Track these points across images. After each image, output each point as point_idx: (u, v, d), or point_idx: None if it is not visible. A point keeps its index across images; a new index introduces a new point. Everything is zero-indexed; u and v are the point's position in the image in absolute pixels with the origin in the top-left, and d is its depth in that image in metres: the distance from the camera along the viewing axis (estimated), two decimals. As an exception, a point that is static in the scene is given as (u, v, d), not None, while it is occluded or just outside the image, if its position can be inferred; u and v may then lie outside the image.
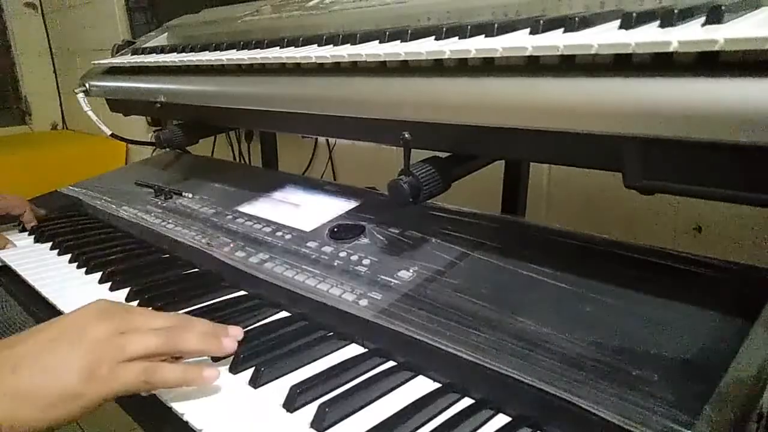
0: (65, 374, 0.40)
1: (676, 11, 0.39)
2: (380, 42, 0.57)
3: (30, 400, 0.39)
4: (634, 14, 0.41)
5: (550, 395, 0.38)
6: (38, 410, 0.39)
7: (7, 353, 0.41)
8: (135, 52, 0.99)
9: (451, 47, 0.47)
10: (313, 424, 0.40)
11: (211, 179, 0.89)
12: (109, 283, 0.64)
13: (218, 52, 0.78)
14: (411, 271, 0.54)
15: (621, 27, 0.41)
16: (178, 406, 0.43)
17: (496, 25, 0.49)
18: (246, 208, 0.76)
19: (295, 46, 0.66)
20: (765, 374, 0.37)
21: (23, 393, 0.39)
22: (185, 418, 0.42)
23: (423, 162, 0.54)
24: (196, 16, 1.10)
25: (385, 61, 0.54)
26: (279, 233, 0.67)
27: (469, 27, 0.50)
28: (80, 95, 1.01)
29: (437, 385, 0.44)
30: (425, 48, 0.49)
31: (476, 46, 0.45)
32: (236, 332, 0.49)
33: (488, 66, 0.47)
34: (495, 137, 0.48)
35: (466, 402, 0.42)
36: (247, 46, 0.74)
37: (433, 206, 0.64)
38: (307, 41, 0.65)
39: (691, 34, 0.35)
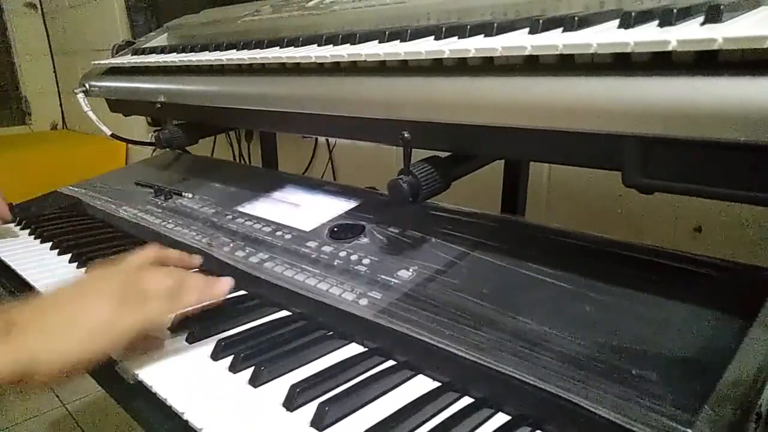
0: (100, 308, 0.45)
1: (675, 10, 0.39)
2: (380, 42, 0.57)
3: (67, 333, 0.43)
4: (633, 13, 0.41)
5: (550, 394, 0.38)
6: (75, 342, 0.43)
7: (37, 302, 0.47)
8: (135, 53, 0.99)
9: (450, 47, 0.47)
10: (313, 423, 0.40)
11: (211, 179, 0.89)
12: (109, 283, 0.64)
13: (218, 52, 0.78)
14: (411, 270, 0.54)
15: (620, 26, 0.41)
16: (177, 405, 0.43)
17: (495, 25, 0.49)
18: (246, 208, 0.76)
19: (295, 46, 0.66)
20: (764, 374, 0.37)
21: (60, 324, 0.43)
22: (185, 416, 0.42)
23: (423, 161, 0.55)
24: (196, 16, 1.10)
25: (384, 61, 0.54)
26: (279, 233, 0.68)
27: (468, 27, 0.50)
28: (80, 95, 1.02)
29: (437, 384, 0.44)
30: (425, 48, 0.49)
31: (476, 45, 0.45)
32: (228, 279, 0.55)
33: (488, 65, 0.47)
34: (495, 137, 0.48)
35: (466, 401, 0.42)
36: (247, 46, 0.74)
37: (433, 206, 0.64)
38: (307, 41, 0.66)
39: (690, 33, 0.35)
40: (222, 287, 0.54)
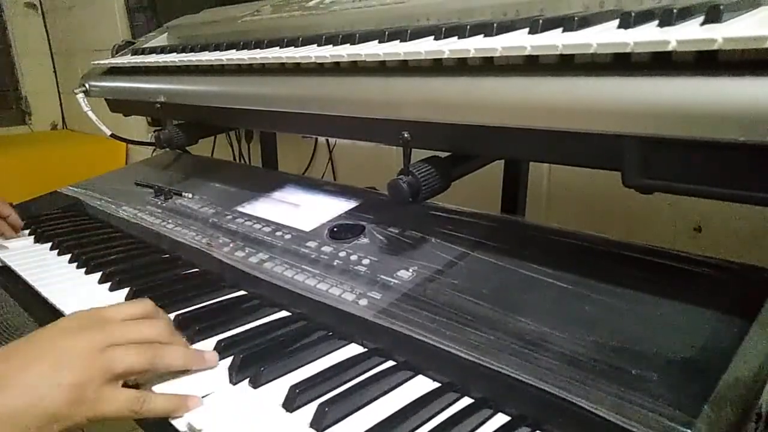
0: (51, 395, 0.39)
1: (674, 10, 0.39)
2: (380, 42, 0.57)
3: (12, 421, 0.38)
4: (633, 14, 0.41)
5: (550, 395, 0.38)
6: None
7: None
8: (135, 53, 0.99)
9: (450, 47, 0.47)
10: (312, 424, 0.40)
11: (211, 179, 0.89)
12: (109, 284, 0.64)
13: (218, 52, 0.78)
14: (411, 270, 0.54)
15: (620, 26, 0.41)
16: (177, 406, 0.43)
17: (495, 25, 0.49)
18: (246, 208, 0.76)
19: (295, 46, 0.66)
20: (764, 374, 0.37)
21: (5, 414, 0.38)
22: (185, 417, 0.42)
23: (423, 161, 0.55)
24: (196, 16, 1.10)
25: (384, 61, 0.54)
26: (279, 233, 0.67)
27: (468, 27, 0.50)
28: (80, 95, 1.02)
29: (437, 384, 0.44)
30: (424, 48, 0.49)
31: (475, 45, 0.45)
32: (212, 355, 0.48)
33: (487, 65, 0.47)
34: (494, 137, 0.48)
35: (466, 401, 0.42)
36: (247, 46, 0.74)
37: (433, 206, 0.64)
38: (307, 41, 0.66)
39: (690, 33, 0.35)
40: (209, 360, 0.47)
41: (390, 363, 0.47)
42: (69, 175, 1.08)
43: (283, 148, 1.32)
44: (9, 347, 0.42)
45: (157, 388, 0.45)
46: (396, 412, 0.40)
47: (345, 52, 0.56)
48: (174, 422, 0.42)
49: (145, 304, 0.50)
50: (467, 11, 0.63)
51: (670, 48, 0.35)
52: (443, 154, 0.56)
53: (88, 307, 0.48)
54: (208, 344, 0.51)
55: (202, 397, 0.44)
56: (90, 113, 1.01)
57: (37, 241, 0.81)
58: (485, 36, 0.49)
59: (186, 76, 0.81)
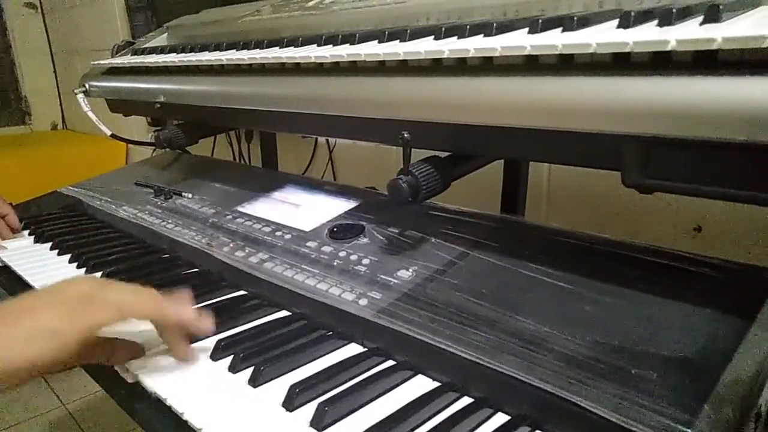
0: (43, 314, 0.43)
1: (674, 10, 0.39)
2: (379, 42, 0.57)
3: (8, 339, 0.41)
4: (633, 13, 0.41)
5: (550, 394, 0.38)
6: (13, 349, 0.41)
7: None
8: (135, 53, 0.99)
9: (450, 47, 0.47)
10: (312, 423, 0.40)
11: (211, 179, 0.89)
12: (109, 283, 0.64)
13: (218, 52, 0.78)
14: (410, 270, 0.54)
15: (619, 26, 0.41)
16: (177, 405, 0.43)
17: (494, 25, 0.49)
18: (246, 208, 0.76)
19: (295, 46, 0.66)
20: (763, 374, 0.37)
21: (2, 334, 0.41)
22: (185, 417, 0.42)
23: (422, 161, 0.55)
24: (196, 16, 1.10)
25: (384, 61, 0.54)
26: (279, 233, 0.68)
27: (467, 26, 0.50)
28: (80, 95, 1.02)
29: (436, 384, 0.44)
30: (424, 47, 0.49)
31: (475, 45, 0.45)
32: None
33: (487, 65, 0.47)
34: (494, 137, 0.48)
35: (466, 401, 0.42)
36: (247, 46, 0.74)
37: (433, 206, 0.64)
38: (307, 41, 0.66)
39: (690, 33, 0.35)
40: (205, 327, 0.49)
41: (390, 362, 0.47)
42: (69, 175, 1.08)
43: (283, 148, 1.32)
44: (13, 300, 0.46)
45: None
46: (396, 412, 0.40)
47: (345, 52, 0.56)
48: (174, 422, 0.42)
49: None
50: (467, 11, 0.63)
51: (669, 48, 0.35)
52: (443, 154, 0.56)
53: None
54: (208, 344, 0.51)
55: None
56: (90, 113, 1.01)
57: (37, 240, 0.81)
58: (485, 36, 0.49)
59: (186, 76, 0.81)
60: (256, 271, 0.61)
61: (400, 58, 0.51)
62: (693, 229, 0.90)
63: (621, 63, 0.39)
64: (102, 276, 0.66)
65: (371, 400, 0.43)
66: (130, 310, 0.46)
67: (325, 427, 0.40)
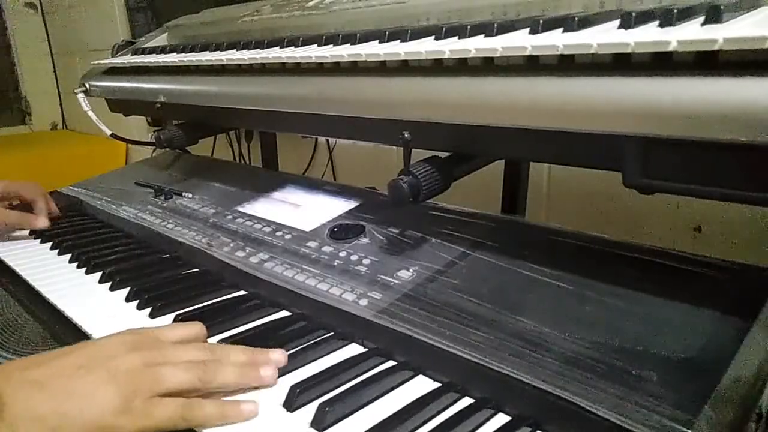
0: (98, 404, 0.38)
1: (675, 11, 0.39)
2: (380, 42, 0.57)
3: (59, 425, 0.36)
4: (634, 14, 0.41)
5: (550, 395, 0.38)
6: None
7: (28, 374, 0.38)
8: (135, 53, 0.99)
9: (450, 47, 0.47)
10: (313, 424, 0.40)
11: (211, 179, 0.89)
12: (109, 283, 0.64)
13: (218, 52, 0.78)
14: (411, 270, 0.54)
15: (620, 27, 0.41)
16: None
17: (495, 25, 0.49)
18: (246, 208, 0.76)
19: (295, 46, 0.66)
20: (764, 374, 0.37)
21: (52, 416, 0.36)
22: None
23: (423, 162, 0.55)
24: (196, 16, 1.10)
25: (384, 61, 0.54)
26: (279, 233, 0.67)
27: (468, 27, 0.50)
28: (80, 95, 1.02)
29: (437, 384, 0.44)
30: (425, 48, 0.49)
31: (476, 45, 0.45)
32: (278, 357, 0.46)
33: (488, 66, 0.47)
34: (495, 137, 0.48)
35: (466, 401, 0.42)
36: (247, 46, 0.74)
37: (433, 206, 0.64)
38: (307, 41, 0.66)
39: (691, 33, 0.35)
40: (264, 379, 0.44)
41: (390, 363, 0.47)
42: (69, 175, 1.08)
43: (283, 148, 1.32)
44: (51, 354, 0.41)
45: None
46: (396, 412, 0.40)
47: (345, 52, 0.56)
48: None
49: (196, 327, 0.49)
50: (467, 11, 0.63)
51: (670, 48, 0.35)
52: (443, 154, 0.56)
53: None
54: (208, 344, 0.51)
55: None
56: (90, 113, 1.01)
57: (37, 240, 0.81)
58: (486, 36, 0.49)
59: (186, 76, 0.81)
60: (256, 271, 0.61)
61: (401, 58, 0.51)
62: (693, 229, 0.90)
63: (622, 63, 0.39)
64: (102, 276, 0.65)
65: (372, 401, 0.43)
66: (196, 413, 0.40)
67: (326, 428, 0.40)
